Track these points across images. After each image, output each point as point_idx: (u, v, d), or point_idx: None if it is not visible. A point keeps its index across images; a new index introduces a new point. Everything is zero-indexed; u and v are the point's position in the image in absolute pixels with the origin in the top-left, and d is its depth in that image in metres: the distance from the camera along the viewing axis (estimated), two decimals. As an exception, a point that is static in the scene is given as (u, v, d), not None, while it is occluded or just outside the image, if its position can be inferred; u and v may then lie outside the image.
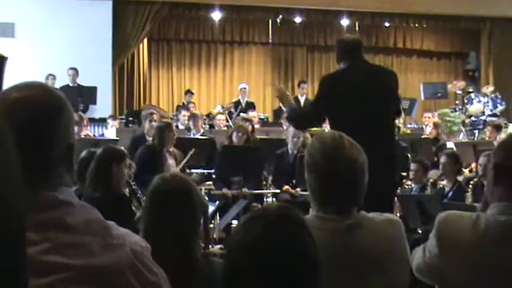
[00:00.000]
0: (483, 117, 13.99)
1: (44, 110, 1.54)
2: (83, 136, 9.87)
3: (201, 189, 8.18)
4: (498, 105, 14.35)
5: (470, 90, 15.79)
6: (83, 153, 5.49)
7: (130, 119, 13.29)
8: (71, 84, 13.28)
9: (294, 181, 8.43)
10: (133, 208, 5.35)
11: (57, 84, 12.54)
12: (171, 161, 7.70)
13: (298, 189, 8.37)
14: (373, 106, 5.24)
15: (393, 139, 5.59)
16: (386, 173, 5.07)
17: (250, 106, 14.24)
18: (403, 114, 5.92)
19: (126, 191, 5.45)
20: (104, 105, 13.79)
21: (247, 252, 1.69)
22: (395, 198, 5.94)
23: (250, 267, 1.68)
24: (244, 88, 14.80)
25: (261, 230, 1.70)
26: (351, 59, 5.45)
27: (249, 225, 1.74)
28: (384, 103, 5.33)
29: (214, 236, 7.74)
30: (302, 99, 14.40)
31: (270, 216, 1.74)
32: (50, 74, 12.94)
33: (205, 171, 9.15)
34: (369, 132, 4.81)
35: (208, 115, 13.45)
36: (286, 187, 8.49)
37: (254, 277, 1.68)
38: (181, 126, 11.43)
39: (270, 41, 17.29)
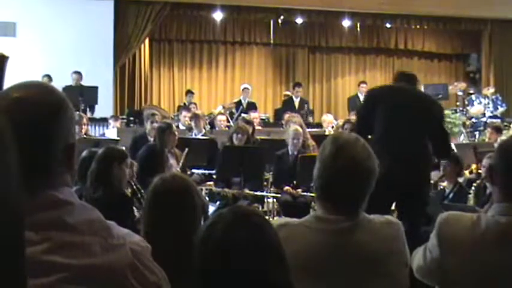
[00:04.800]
0: (484, 119, 13.99)
1: (45, 109, 1.54)
2: (84, 136, 9.85)
3: (201, 189, 8.18)
4: (499, 106, 14.36)
5: (471, 91, 15.79)
6: (84, 153, 5.49)
7: (132, 119, 13.29)
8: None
9: (294, 182, 8.42)
10: (135, 208, 5.35)
11: (55, 84, 12.49)
12: (172, 161, 7.70)
13: (299, 190, 8.36)
14: (407, 123, 5.53)
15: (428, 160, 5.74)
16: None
17: (252, 106, 14.22)
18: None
19: (129, 191, 5.45)
20: (105, 105, 13.77)
21: (213, 253, 1.80)
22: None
23: (220, 267, 1.79)
24: (247, 88, 14.75)
25: (221, 231, 1.80)
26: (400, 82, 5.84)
27: (211, 227, 1.84)
28: (420, 122, 5.58)
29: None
30: (297, 101, 14.50)
31: (227, 218, 1.84)
32: (46, 75, 12.89)
33: (207, 171, 9.15)
34: (401, 147, 5.39)
35: (209, 115, 13.44)
36: (286, 188, 8.48)
37: (224, 275, 1.78)
38: (182, 127, 11.42)
39: (272, 41, 17.32)
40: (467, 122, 14.04)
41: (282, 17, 16.47)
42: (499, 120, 13.33)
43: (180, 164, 7.73)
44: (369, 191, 2.44)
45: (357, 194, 2.43)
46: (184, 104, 14.49)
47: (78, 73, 13.43)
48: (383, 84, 6.58)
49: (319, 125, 12.87)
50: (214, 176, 8.85)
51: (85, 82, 13.44)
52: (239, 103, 14.26)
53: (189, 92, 15.18)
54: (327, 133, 10.88)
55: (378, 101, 5.70)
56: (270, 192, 8.85)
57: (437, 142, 5.63)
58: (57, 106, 1.57)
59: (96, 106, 13.45)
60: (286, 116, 11.64)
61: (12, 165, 0.97)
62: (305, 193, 8.20)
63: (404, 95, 5.72)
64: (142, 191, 5.57)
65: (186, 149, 7.90)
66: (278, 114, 14.50)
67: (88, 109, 13.02)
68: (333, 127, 11.90)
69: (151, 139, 8.42)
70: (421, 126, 5.58)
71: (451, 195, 6.98)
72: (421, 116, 5.58)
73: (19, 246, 0.98)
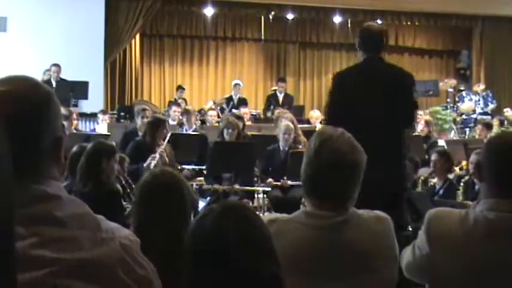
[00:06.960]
0: (474, 115, 14.05)
1: (31, 103, 1.53)
2: (73, 131, 9.82)
3: (192, 185, 8.17)
4: (489, 103, 14.43)
5: (462, 88, 15.86)
6: (74, 148, 5.48)
7: (122, 114, 13.25)
8: (53, 81, 12.86)
9: (285, 177, 8.42)
10: (124, 203, 5.34)
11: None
12: (159, 154, 7.66)
13: (288, 181, 8.31)
14: (377, 107, 5.09)
15: (399, 144, 5.21)
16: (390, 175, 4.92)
17: (242, 102, 14.19)
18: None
19: (118, 185, 5.44)
20: (95, 100, 13.74)
21: (203, 246, 1.81)
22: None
23: (209, 259, 1.79)
24: (238, 84, 14.64)
25: (210, 224, 1.81)
26: (367, 53, 5.38)
27: (201, 221, 1.85)
28: (389, 105, 5.15)
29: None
30: (281, 96, 14.51)
31: (217, 211, 1.85)
32: (54, 64, 12.90)
33: (197, 167, 9.14)
34: (372, 136, 4.42)
35: (200, 111, 13.42)
36: (269, 180, 8.48)
37: (213, 267, 1.78)
38: (172, 122, 11.39)
39: (262, 37, 17.30)
40: (458, 119, 14.10)
41: (273, 13, 16.47)
42: (489, 117, 13.38)
43: (162, 147, 7.56)
44: (356, 186, 2.42)
45: (342, 189, 2.41)
46: (175, 99, 14.46)
47: (57, 65, 13.11)
48: (346, 69, 5.92)
49: (310, 121, 12.89)
50: (204, 172, 8.84)
51: (76, 77, 13.36)
52: (230, 99, 14.23)
53: (180, 88, 15.15)
54: (317, 129, 10.87)
55: (345, 92, 5.23)
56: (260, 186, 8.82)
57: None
58: (43, 99, 1.56)
59: (87, 101, 13.39)
60: (277, 111, 11.64)
61: (5, 161, 0.96)
62: (294, 182, 8.09)
63: (370, 85, 5.25)
64: (132, 185, 5.55)
65: (169, 133, 7.76)
66: (263, 110, 14.52)
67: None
68: (321, 122, 11.90)
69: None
70: (391, 115, 5.12)
71: (441, 192, 7.01)
72: (390, 105, 5.14)
73: (9, 242, 0.98)
